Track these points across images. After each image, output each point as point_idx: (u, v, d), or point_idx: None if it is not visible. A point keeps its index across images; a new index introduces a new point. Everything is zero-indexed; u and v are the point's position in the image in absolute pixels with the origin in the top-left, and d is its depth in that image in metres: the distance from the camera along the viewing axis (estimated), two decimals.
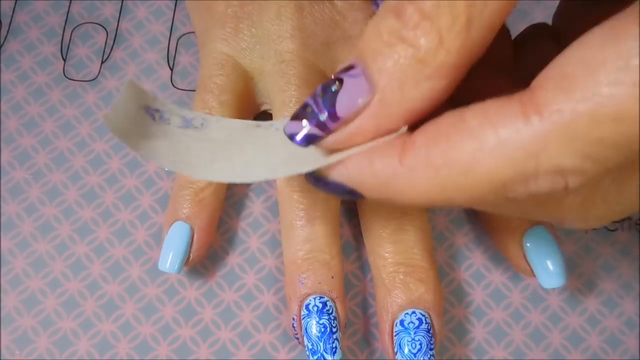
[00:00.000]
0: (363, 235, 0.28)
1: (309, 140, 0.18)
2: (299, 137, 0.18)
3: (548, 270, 0.26)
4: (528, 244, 0.26)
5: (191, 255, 0.27)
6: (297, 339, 0.26)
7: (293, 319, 0.26)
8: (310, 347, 0.25)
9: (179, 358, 0.28)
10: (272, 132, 0.21)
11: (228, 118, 0.22)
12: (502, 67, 0.22)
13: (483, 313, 0.29)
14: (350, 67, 0.17)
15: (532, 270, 0.26)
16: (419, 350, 0.25)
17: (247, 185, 0.31)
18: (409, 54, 0.16)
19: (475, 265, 0.29)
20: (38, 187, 0.30)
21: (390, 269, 0.26)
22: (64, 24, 0.33)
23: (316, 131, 0.17)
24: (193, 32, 0.33)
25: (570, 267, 0.30)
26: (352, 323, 0.28)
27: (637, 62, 0.14)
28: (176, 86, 0.32)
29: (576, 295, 0.29)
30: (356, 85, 0.17)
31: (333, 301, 0.25)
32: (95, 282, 0.29)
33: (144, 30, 0.33)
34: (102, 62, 0.33)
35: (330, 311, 0.25)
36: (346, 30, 0.28)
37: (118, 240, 0.29)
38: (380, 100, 0.16)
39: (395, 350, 0.25)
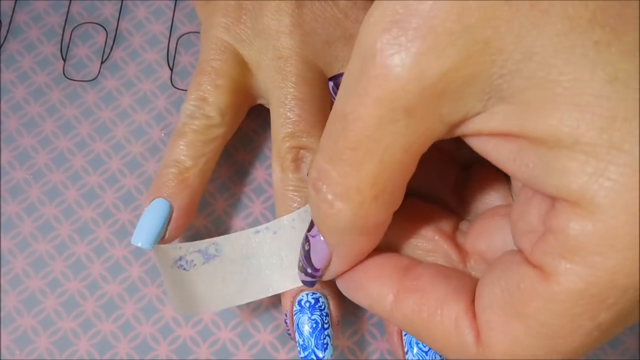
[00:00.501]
0: None
1: (312, 283, 0.23)
2: (305, 284, 0.23)
3: None
4: None
5: (167, 234, 0.27)
6: (289, 334, 0.26)
7: (285, 314, 0.26)
8: (301, 342, 0.25)
9: (179, 358, 0.28)
10: (270, 235, 0.26)
11: (229, 234, 0.26)
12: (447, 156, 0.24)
13: None
14: (312, 224, 0.21)
15: None
16: (429, 349, 0.25)
17: (247, 185, 0.31)
18: (336, 219, 0.19)
19: None
20: (38, 187, 0.30)
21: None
22: (63, 23, 0.33)
23: (310, 279, 0.23)
24: (193, 32, 0.33)
25: None
26: (352, 323, 0.28)
27: None
28: (176, 86, 0.32)
29: None
30: (318, 244, 0.21)
31: (326, 297, 0.26)
32: (95, 282, 0.29)
33: (143, 30, 0.33)
34: (102, 62, 0.33)
35: (323, 307, 0.25)
36: (347, 29, 0.28)
37: (118, 240, 0.29)
38: (334, 254, 0.21)
39: (406, 349, 0.25)
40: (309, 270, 0.22)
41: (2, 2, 0.34)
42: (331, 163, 0.18)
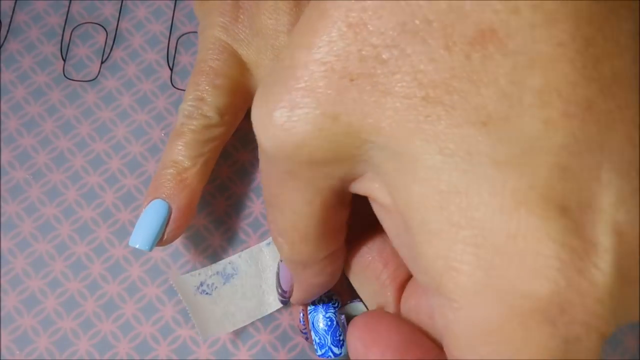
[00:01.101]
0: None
1: (284, 302, 0.26)
2: (281, 302, 0.26)
3: None
4: None
5: (165, 235, 0.27)
6: (305, 333, 0.26)
7: (300, 313, 0.26)
8: (317, 340, 0.25)
9: (179, 358, 0.28)
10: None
11: (242, 251, 0.28)
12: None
13: None
14: None
15: None
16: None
17: (247, 185, 0.31)
18: (284, 251, 0.20)
19: None
20: (38, 187, 0.30)
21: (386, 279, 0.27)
22: (63, 24, 0.33)
23: (281, 298, 0.25)
24: (193, 32, 0.33)
25: None
26: None
27: None
28: (176, 86, 0.32)
29: None
30: (284, 269, 0.23)
31: (339, 295, 0.26)
32: (95, 282, 0.29)
33: (143, 30, 0.33)
34: (102, 62, 0.33)
35: (336, 305, 0.26)
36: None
37: (118, 240, 0.29)
38: (294, 280, 0.23)
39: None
40: (279, 291, 0.25)
41: (2, 2, 0.34)
42: (269, 207, 0.20)
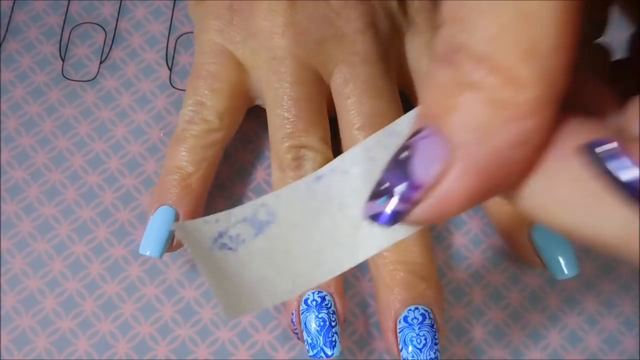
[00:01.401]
0: None
1: (395, 218, 0.16)
2: (383, 217, 0.16)
3: (560, 261, 0.26)
4: (537, 238, 0.27)
5: (174, 241, 0.27)
6: (297, 334, 0.26)
7: (292, 314, 0.26)
8: (309, 341, 0.25)
9: (178, 358, 0.28)
10: (339, 178, 0.18)
11: (281, 188, 0.18)
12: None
13: (482, 313, 0.29)
14: (417, 132, 0.15)
15: (544, 263, 0.27)
16: (424, 345, 0.25)
17: (247, 185, 0.31)
18: (480, 99, 0.13)
19: (474, 266, 0.29)
20: (37, 186, 0.30)
21: (390, 267, 0.26)
22: (62, 23, 0.33)
23: (400, 206, 0.15)
24: (192, 32, 0.33)
25: None
26: (350, 323, 0.28)
27: None
28: (175, 86, 0.32)
29: (575, 295, 0.29)
30: (430, 148, 0.14)
31: (331, 296, 0.26)
32: (94, 282, 0.29)
33: (142, 30, 0.33)
34: (101, 62, 0.33)
35: (329, 305, 0.25)
36: (339, 28, 0.28)
37: (117, 240, 0.29)
38: (462, 158, 0.14)
39: (400, 347, 0.25)
40: (402, 190, 0.15)
41: (1, 2, 0.34)
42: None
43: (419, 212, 0.15)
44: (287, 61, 0.28)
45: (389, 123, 0.19)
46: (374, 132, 0.19)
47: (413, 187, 0.15)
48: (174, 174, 0.27)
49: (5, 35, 0.33)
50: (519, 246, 0.27)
